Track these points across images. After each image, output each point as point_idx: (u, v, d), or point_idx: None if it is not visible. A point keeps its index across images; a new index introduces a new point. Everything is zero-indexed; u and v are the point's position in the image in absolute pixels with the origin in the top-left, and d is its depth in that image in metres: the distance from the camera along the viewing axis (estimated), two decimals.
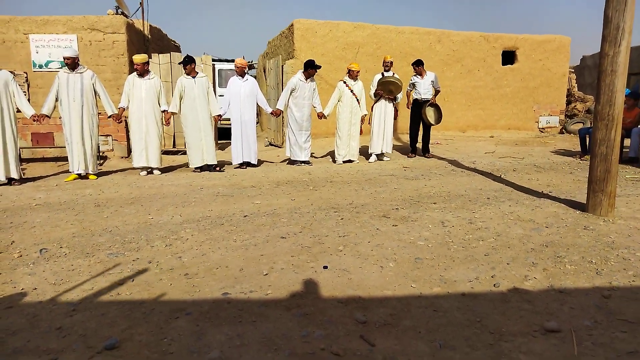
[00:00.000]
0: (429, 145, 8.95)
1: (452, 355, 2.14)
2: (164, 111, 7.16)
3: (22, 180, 6.53)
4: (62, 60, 6.79)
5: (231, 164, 7.78)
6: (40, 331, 2.37)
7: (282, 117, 9.47)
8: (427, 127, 8.78)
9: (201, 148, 7.29)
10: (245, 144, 7.62)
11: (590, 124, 11.50)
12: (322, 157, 9.02)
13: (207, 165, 7.39)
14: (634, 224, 4.11)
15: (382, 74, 8.27)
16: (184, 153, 8.06)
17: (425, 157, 8.77)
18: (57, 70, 7.87)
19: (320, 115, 8.00)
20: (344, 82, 8.00)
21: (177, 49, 13.72)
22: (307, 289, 2.85)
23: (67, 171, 6.90)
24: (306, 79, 7.73)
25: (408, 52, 11.47)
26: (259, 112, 11.96)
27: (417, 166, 7.72)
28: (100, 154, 8.28)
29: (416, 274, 3.07)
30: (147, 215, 4.64)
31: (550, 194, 5.39)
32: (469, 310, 2.57)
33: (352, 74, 7.96)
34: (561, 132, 13.18)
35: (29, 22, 9.03)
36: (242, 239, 3.81)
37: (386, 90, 8.12)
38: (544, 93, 13.15)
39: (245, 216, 4.53)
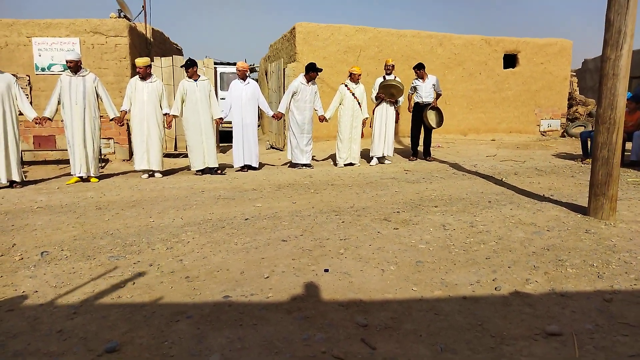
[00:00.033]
0: (430, 148, 8.96)
1: (453, 359, 2.14)
2: (165, 114, 7.17)
3: (24, 183, 6.54)
4: (65, 63, 6.82)
5: (232, 167, 7.79)
6: (41, 334, 2.37)
7: (284, 120, 9.48)
8: (429, 131, 8.79)
9: (202, 151, 7.30)
10: (246, 147, 7.63)
11: (592, 127, 11.49)
12: (323, 160, 9.02)
13: (208, 168, 7.40)
14: (635, 228, 4.10)
15: (384, 77, 8.28)
16: (186, 156, 8.07)
17: (426, 160, 8.76)
18: (60, 73, 7.90)
19: (322, 119, 8.02)
20: (346, 86, 8.02)
21: (179, 52, 13.76)
22: (308, 292, 2.85)
23: (69, 174, 6.92)
24: (307, 82, 7.74)
25: (409, 56, 11.49)
26: (261, 115, 11.98)
27: (418, 169, 7.72)
28: (102, 157, 8.30)
29: (417, 277, 3.07)
30: (148, 218, 4.64)
31: (551, 197, 5.39)
32: (470, 313, 2.57)
33: (354, 77, 7.98)
34: (562, 136, 13.17)
35: (31, 25, 9.07)
36: (243, 242, 3.81)
37: (388, 93, 8.13)
38: (545, 96, 13.15)
39: (246, 219, 4.53)
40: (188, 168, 7.68)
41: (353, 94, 7.98)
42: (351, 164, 8.24)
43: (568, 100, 13.80)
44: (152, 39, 10.95)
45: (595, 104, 10.83)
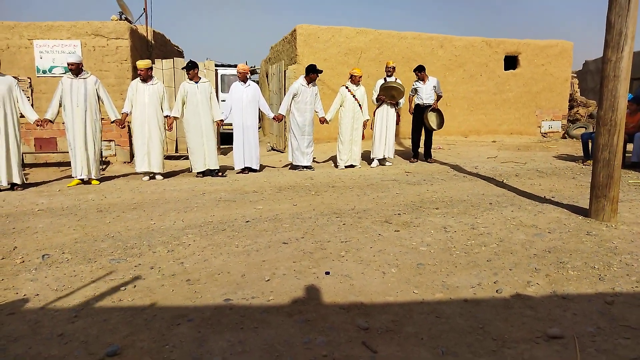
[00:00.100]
0: (431, 150, 8.96)
1: None
2: (166, 116, 7.18)
3: (25, 186, 6.55)
4: (66, 65, 6.84)
5: (233, 169, 7.80)
6: (42, 338, 2.37)
7: (285, 122, 9.49)
8: (429, 132, 8.79)
9: (203, 153, 7.31)
10: (246, 150, 7.63)
11: (593, 128, 11.48)
12: (324, 162, 9.02)
13: (209, 170, 7.41)
14: (637, 230, 4.09)
15: (385, 79, 8.29)
16: (187, 158, 8.08)
17: (427, 162, 8.76)
18: (61, 75, 7.91)
19: (323, 120, 8.03)
20: (346, 87, 8.03)
21: (180, 54, 13.79)
22: (309, 295, 2.85)
23: (70, 176, 6.92)
24: (308, 84, 7.75)
25: (410, 57, 11.50)
26: (261, 117, 11.99)
27: (419, 171, 7.72)
28: (103, 159, 8.31)
29: (418, 280, 3.07)
30: (149, 220, 4.65)
31: (552, 199, 5.38)
32: (471, 316, 2.56)
33: (354, 79, 7.99)
34: (563, 137, 13.16)
35: (33, 27, 9.09)
36: (244, 245, 3.81)
37: (388, 95, 8.13)
38: (546, 98, 13.15)
39: (247, 221, 4.53)
40: (189, 170, 7.69)
41: (354, 96, 7.99)
42: (352, 166, 8.24)
43: (569, 102, 13.80)
44: (153, 41, 10.97)
45: (596, 106, 10.82)
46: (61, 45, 9.14)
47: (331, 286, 2.97)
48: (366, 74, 9.90)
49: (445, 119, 8.86)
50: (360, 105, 8.05)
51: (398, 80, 8.26)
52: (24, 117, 6.45)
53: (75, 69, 6.51)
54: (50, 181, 7.12)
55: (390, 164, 8.55)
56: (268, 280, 3.07)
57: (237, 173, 7.66)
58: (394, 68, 8.31)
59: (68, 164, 7.06)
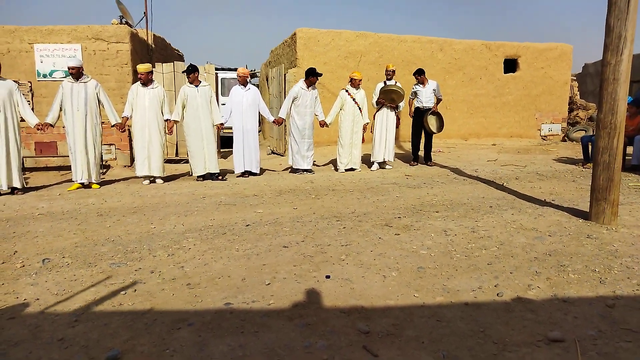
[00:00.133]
0: (431, 153, 8.96)
1: None
2: (167, 120, 7.19)
3: (25, 190, 6.55)
4: (67, 69, 6.85)
5: (233, 172, 7.80)
6: (43, 342, 2.37)
7: (285, 125, 9.50)
8: (429, 136, 8.80)
9: (203, 157, 7.31)
10: (246, 153, 7.64)
11: (593, 131, 11.49)
12: (324, 165, 9.03)
13: (209, 173, 7.41)
14: (637, 232, 4.09)
15: (385, 82, 8.30)
16: (187, 162, 8.08)
17: (427, 165, 8.77)
18: (61, 79, 7.93)
19: (323, 124, 8.04)
20: (346, 91, 8.04)
21: (180, 58, 13.81)
22: (310, 298, 2.85)
23: (70, 180, 6.93)
24: (307, 87, 7.77)
25: (410, 61, 11.52)
26: (262, 120, 12.00)
27: (419, 174, 7.72)
28: (104, 163, 8.32)
29: (419, 284, 3.06)
30: (149, 224, 4.64)
31: (553, 202, 5.38)
32: (472, 320, 2.56)
33: (354, 83, 8.00)
34: (563, 140, 13.17)
35: (33, 31, 9.11)
36: (245, 248, 3.81)
37: (388, 98, 8.14)
38: (546, 101, 13.16)
39: (247, 225, 4.53)
40: (189, 174, 7.69)
41: (354, 99, 8.00)
42: (352, 169, 8.24)
43: (569, 105, 13.81)
44: (153, 45, 10.99)
45: (596, 108, 10.83)
46: (62, 49, 9.16)
47: (332, 290, 2.97)
48: (366, 78, 9.91)
49: (445, 122, 8.87)
50: (360, 108, 8.06)
51: (398, 84, 8.27)
52: (24, 121, 6.47)
53: (76, 73, 6.52)
54: (50, 185, 7.13)
55: (391, 167, 8.56)
56: (268, 284, 3.07)
57: (237, 177, 7.67)
58: (393, 71, 8.33)
59: (68, 167, 7.06)
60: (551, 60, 12.99)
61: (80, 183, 6.71)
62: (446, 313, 2.64)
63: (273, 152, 11.27)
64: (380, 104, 8.22)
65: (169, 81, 9.49)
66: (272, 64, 13.33)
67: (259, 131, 9.44)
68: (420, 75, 8.56)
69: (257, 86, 12.55)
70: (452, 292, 2.92)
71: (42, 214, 5.16)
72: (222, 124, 7.49)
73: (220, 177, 7.48)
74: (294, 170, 8.07)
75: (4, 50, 8.97)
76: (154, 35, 11.09)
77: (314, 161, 8.41)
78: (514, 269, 3.30)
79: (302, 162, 7.92)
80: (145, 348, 2.30)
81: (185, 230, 4.38)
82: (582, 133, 12.35)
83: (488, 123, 12.79)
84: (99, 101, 6.75)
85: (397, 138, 9.14)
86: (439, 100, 8.75)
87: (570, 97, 13.96)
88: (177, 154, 9.83)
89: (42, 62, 9.13)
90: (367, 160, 8.74)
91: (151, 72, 7.08)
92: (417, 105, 8.74)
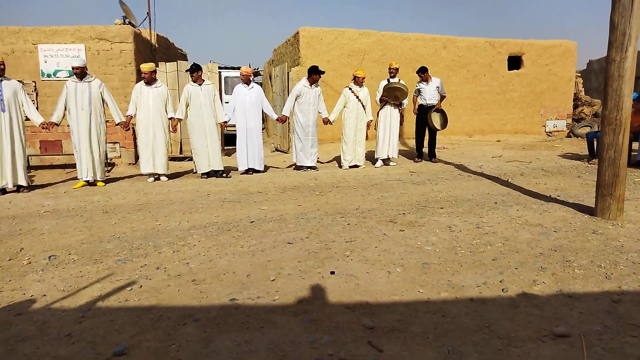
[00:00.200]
0: (435, 149, 8.95)
1: None
2: (171, 118, 7.22)
3: (31, 188, 6.59)
4: (71, 69, 6.88)
5: (237, 170, 7.82)
6: (50, 338, 2.38)
7: (288, 123, 9.51)
8: (433, 132, 8.79)
9: (208, 154, 7.34)
10: (250, 151, 7.65)
11: (598, 127, 11.44)
12: (328, 162, 9.03)
13: (213, 171, 7.43)
14: None
15: (388, 80, 8.29)
16: (191, 159, 8.10)
17: (431, 161, 8.76)
18: (65, 79, 7.96)
19: (326, 121, 8.04)
20: (350, 89, 8.04)
21: (183, 57, 13.83)
22: (315, 294, 2.85)
23: (76, 178, 6.96)
24: (310, 85, 7.77)
25: (413, 59, 11.49)
26: (265, 118, 12.01)
27: (423, 171, 7.71)
28: (108, 161, 8.34)
29: (424, 279, 3.06)
30: (154, 221, 4.66)
31: (558, 198, 5.36)
32: (477, 315, 2.56)
33: (358, 81, 8.00)
34: (568, 136, 13.12)
35: (37, 32, 9.14)
36: (249, 245, 3.82)
37: (392, 96, 8.13)
38: (550, 97, 13.11)
39: (252, 222, 4.54)
40: (193, 171, 7.71)
41: (357, 97, 8.00)
42: (356, 166, 8.24)
43: (573, 101, 13.75)
44: (156, 45, 11.01)
45: (601, 105, 10.79)
46: (65, 50, 9.19)
47: (336, 286, 2.97)
48: (369, 76, 9.91)
49: (449, 119, 8.86)
50: (363, 106, 8.06)
51: (401, 81, 8.26)
52: (29, 120, 6.50)
53: (80, 73, 6.55)
54: (56, 183, 7.16)
55: (395, 164, 8.55)
56: (273, 280, 3.08)
57: (241, 174, 7.68)
58: (397, 69, 8.32)
59: (73, 165, 7.09)
60: (555, 57, 12.92)
61: (85, 181, 6.74)
62: (451, 309, 2.64)
63: (277, 150, 11.28)
64: (383, 102, 8.21)
65: (172, 80, 9.51)
66: (275, 63, 13.32)
67: (263, 129, 9.45)
68: (423, 73, 8.56)
69: (261, 85, 12.57)
70: (457, 288, 2.92)
71: (48, 211, 5.19)
72: (225, 122, 7.52)
73: (224, 175, 7.50)
74: (298, 168, 8.08)
75: (9, 50, 9.02)
76: (157, 34, 11.11)
77: (318, 158, 8.42)
78: (519, 264, 3.29)
79: (306, 159, 7.93)
80: (151, 344, 2.31)
81: (190, 227, 4.39)
82: (587, 129, 12.30)
83: (492, 120, 12.76)
84: (103, 100, 6.78)
85: (401, 135, 9.13)
86: (442, 98, 8.74)
87: (575, 93, 13.90)
88: (181, 152, 9.86)
89: (46, 62, 9.17)
90: (371, 157, 8.74)
91: (155, 71, 7.10)
92: (420, 102, 8.73)
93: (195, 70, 7.19)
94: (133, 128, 8.02)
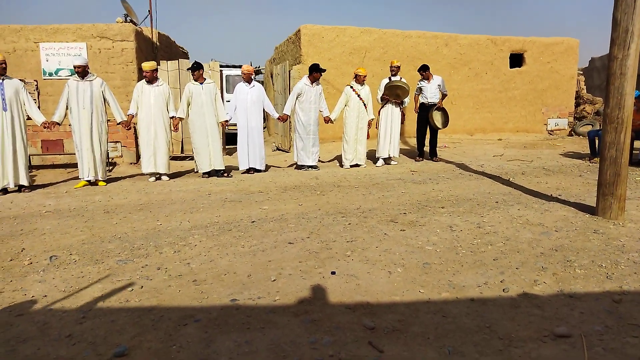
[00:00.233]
0: (437, 148, 8.94)
1: None
2: (172, 117, 7.22)
3: (32, 187, 6.60)
4: (72, 68, 6.88)
5: (238, 169, 7.82)
6: (50, 339, 2.39)
7: (290, 122, 9.50)
8: (434, 131, 8.77)
9: (209, 153, 7.34)
10: (251, 150, 7.64)
11: (599, 126, 11.41)
12: (329, 161, 9.02)
13: (214, 170, 7.43)
14: None
15: (389, 78, 8.28)
16: (192, 158, 8.11)
17: (432, 160, 8.75)
18: (67, 78, 7.96)
19: (327, 120, 8.03)
20: (351, 87, 8.03)
21: (185, 55, 13.84)
22: (315, 294, 2.85)
23: (77, 178, 6.96)
24: (311, 83, 7.76)
25: (415, 56, 11.47)
26: (266, 117, 12.01)
27: (424, 170, 7.71)
28: (110, 161, 8.35)
29: (424, 279, 3.06)
30: (155, 221, 4.67)
31: (559, 197, 5.35)
32: (478, 315, 2.56)
33: (359, 79, 7.99)
34: (570, 135, 13.09)
35: (39, 30, 9.15)
36: (250, 245, 3.82)
37: (393, 94, 8.12)
38: (552, 95, 13.08)
39: (253, 222, 4.54)
40: (194, 170, 7.71)
41: (358, 95, 7.99)
42: (357, 165, 8.24)
43: (575, 99, 13.72)
44: (158, 43, 11.01)
45: (603, 103, 10.75)
46: (67, 48, 9.20)
47: (337, 286, 2.97)
48: (371, 74, 9.89)
49: (450, 118, 8.84)
50: (365, 104, 8.05)
51: (403, 80, 8.24)
52: (30, 119, 6.50)
53: (81, 72, 6.55)
54: (57, 183, 7.17)
55: (396, 163, 8.54)
56: (274, 280, 3.08)
57: (242, 173, 7.68)
58: (398, 67, 8.30)
59: (75, 165, 7.10)
60: (557, 54, 12.89)
61: (86, 180, 6.75)
62: (452, 309, 2.64)
63: (278, 149, 11.28)
64: (385, 100, 8.20)
65: (174, 79, 9.51)
66: (276, 61, 13.31)
67: (264, 128, 9.45)
68: (424, 71, 8.54)
69: (262, 83, 12.56)
70: (458, 288, 2.92)
71: (49, 211, 5.20)
72: (226, 121, 7.52)
73: (225, 174, 7.50)
74: (299, 167, 8.07)
75: (10, 49, 9.02)
76: (158, 33, 11.11)
77: (319, 157, 8.41)
78: (520, 264, 3.29)
79: (307, 158, 7.93)
80: (152, 344, 2.31)
81: (191, 227, 4.40)
82: (589, 127, 12.27)
83: (494, 118, 12.73)
84: (104, 99, 6.78)
85: (402, 134, 9.11)
86: (444, 96, 8.73)
87: (576, 91, 13.86)
88: (182, 151, 9.86)
89: (47, 60, 9.18)
90: (372, 156, 8.73)
91: (156, 69, 7.10)
92: (422, 101, 8.71)
93: (196, 69, 7.19)
94: (134, 127, 8.02)
